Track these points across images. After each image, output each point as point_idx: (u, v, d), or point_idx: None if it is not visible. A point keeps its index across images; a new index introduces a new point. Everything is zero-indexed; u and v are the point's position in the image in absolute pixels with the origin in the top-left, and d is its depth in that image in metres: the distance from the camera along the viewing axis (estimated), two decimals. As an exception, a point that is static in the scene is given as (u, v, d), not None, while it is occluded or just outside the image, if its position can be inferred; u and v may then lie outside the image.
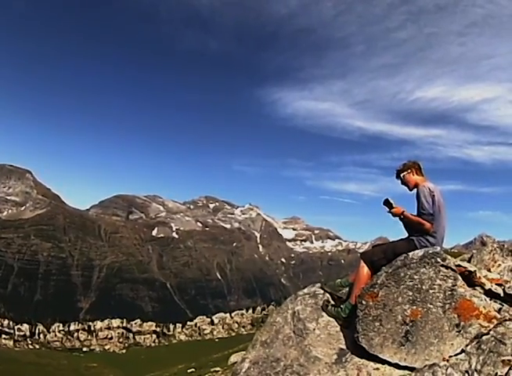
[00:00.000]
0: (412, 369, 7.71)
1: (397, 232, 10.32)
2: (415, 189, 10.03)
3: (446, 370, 6.50)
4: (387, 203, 9.92)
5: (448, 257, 8.65)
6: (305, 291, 10.99)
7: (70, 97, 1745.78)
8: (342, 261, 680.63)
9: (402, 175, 10.43)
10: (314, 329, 9.63)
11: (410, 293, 8.38)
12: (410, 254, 8.93)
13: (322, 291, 10.67)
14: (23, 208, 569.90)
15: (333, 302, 10.30)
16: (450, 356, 7.71)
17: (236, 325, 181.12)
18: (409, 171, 10.27)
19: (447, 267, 8.45)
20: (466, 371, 6.69)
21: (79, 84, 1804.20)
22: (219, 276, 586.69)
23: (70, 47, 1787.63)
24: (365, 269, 9.74)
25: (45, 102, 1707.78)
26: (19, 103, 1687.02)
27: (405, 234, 10.07)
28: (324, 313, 9.98)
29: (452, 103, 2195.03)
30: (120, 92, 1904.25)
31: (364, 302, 8.69)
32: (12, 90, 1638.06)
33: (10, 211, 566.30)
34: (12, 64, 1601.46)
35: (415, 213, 9.77)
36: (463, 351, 7.55)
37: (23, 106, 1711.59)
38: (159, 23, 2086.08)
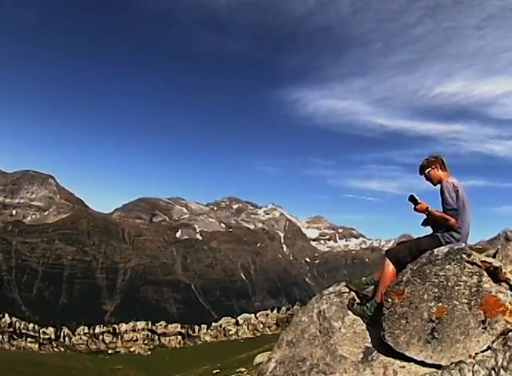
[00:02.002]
0: (438, 366, 7.63)
1: (421, 229, 10.23)
2: (439, 185, 9.95)
3: (473, 367, 6.43)
4: (412, 199, 9.85)
5: (474, 253, 8.55)
6: (330, 289, 10.95)
7: (91, 102, 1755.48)
8: (366, 259, 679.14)
9: (426, 171, 10.34)
10: (340, 328, 9.59)
11: (436, 290, 8.29)
12: (435, 250, 8.83)
13: (347, 290, 10.63)
14: (46, 213, 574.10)
15: (358, 301, 10.23)
16: (476, 353, 7.62)
17: (261, 325, 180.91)
18: (433, 166, 10.18)
19: (472, 263, 8.35)
20: (493, 368, 6.59)
21: (100, 89, 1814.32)
22: (243, 277, 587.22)
23: (90, 52, 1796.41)
24: (390, 267, 9.67)
25: (66, 107, 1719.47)
26: (39, 110, 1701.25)
27: (430, 231, 10.00)
28: (350, 312, 9.93)
29: (472, 98, 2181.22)
30: (141, 96, 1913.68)
31: (390, 300, 8.62)
32: (32, 97, 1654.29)
33: (34, 216, 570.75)
34: (31, 72, 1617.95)
35: (440, 210, 9.69)
36: (489, 348, 7.46)
37: (44, 113, 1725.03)
38: (175, 26, 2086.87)
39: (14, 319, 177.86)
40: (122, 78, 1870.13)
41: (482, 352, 7.58)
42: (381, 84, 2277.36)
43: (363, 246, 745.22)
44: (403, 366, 8.13)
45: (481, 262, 8.49)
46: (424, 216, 10.07)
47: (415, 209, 9.83)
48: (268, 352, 11.54)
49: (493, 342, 7.44)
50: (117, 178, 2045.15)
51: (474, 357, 7.39)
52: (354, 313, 9.85)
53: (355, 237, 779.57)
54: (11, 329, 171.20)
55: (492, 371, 6.53)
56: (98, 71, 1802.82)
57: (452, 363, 6.69)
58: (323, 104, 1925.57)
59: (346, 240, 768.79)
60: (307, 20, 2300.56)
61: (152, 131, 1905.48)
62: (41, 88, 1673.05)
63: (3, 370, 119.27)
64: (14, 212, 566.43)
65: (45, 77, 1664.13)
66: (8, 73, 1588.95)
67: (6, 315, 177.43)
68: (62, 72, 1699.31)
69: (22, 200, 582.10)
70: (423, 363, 7.99)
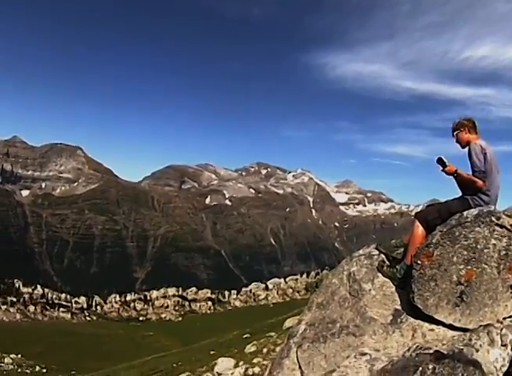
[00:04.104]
0: (466, 330, 7.56)
1: (449, 194, 10.14)
2: (467, 148, 9.82)
3: (501, 331, 6.35)
4: (440, 161, 9.70)
5: (503, 216, 8.40)
6: (360, 252, 10.94)
7: (116, 72, 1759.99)
8: (395, 224, 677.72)
9: (454, 133, 10.20)
10: (369, 290, 9.58)
11: (465, 252, 8.20)
12: (465, 213, 8.74)
13: (377, 252, 10.59)
14: (75, 184, 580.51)
15: (388, 263, 10.20)
16: (504, 318, 7.60)
17: (291, 290, 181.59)
18: (462, 129, 10.01)
19: (502, 226, 8.20)
20: (521, 333, 6.52)
21: (125, 59, 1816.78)
22: (273, 242, 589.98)
23: (120, 27, 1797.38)
24: (420, 229, 9.57)
25: (91, 79, 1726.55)
26: (64, 83, 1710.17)
27: (459, 194, 9.89)
28: (379, 274, 9.90)
29: (502, 62, 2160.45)
30: (167, 64, 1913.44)
31: (419, 262, 8.55)
32: (57, 70, 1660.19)
33: (63, 188, 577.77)
34: (57, 48, 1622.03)
35: (469, 173, 9.57)
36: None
37: (68, 85, 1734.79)
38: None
39: (46, 290, 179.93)
40: (146, 46, 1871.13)
41: (510, 317, 7.54)
42: (409, 48, 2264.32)
43: (392, 211, 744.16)
44: (432, 330, 8.12)
45: (511, 225, 8.38)
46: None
47: (443, 171, 9.71)
48: (298, 317, 11.52)
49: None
50: (146, 147, 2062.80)
51: (501, 322, 7.31)
52: (383, 275, 9.84)
53: (384, 202, 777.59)
54: (43, 300, 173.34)
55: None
56: (122, 42, 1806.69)
57: (480, 326, 6.61)
58: (351, 68, 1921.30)
59: (375, 205, 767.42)
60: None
61: (179, 99, 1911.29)
62: (65, 62, 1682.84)
63: (36, 341, 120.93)
64: (43, 185, 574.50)
65: (70, 51, 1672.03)
66: (34, 49, 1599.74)
67: (38, 286, 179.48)
68: (87, 45, 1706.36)
69: (51, 173, 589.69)
70: (451, 327, 7.96)
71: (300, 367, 9.21)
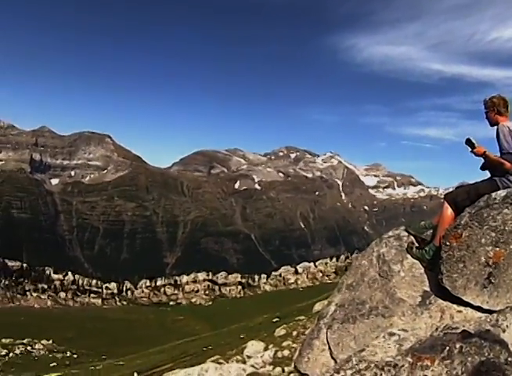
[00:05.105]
0: (493, 312, 7.54)
1: (479, 177, 10.09)
2: (495, 127, 9.78)
3: (528, 312, 6.36)
4: (469, 142, 9.68)
5: (531, 197, 8.41)
6: (390, 233, 10.94)
7: (144, 59, 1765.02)
8: (424, 207, 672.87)
9: (484, 111, 10.16)
10: (399, 271, 9.60)
11: (493, 234, 8.13)
12: (493, 194, 8.70)
13: (406, 234, 10.59)
14: (105, 172, 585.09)
15: (417, 244, 10.20)
16: (531, 301, 7.56)
17: (320, 274, 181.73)
18: (492, 108, 9.96)
19: (530, 207, 8.22)
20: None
21: (152, 46, 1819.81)
22: (302, 226, 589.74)
23: (146, 14, 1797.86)
24: (449, 210, 9.56)
25: (119, 66, 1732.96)
26: (90, 72, 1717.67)
27: (488, 176, 9.86)
28: (408, 255, 9.91)
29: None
30: (194, 51, 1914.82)
31: (448, 243, 8.53)
32: (82, 59, 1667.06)
33: (92, 175, 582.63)
34: (83, 38, 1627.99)
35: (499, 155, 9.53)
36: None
37: (95, 74, 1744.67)
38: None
39: (77, 276, 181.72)
40: (173, 32, 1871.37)
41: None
42: (436, 29, 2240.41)
43: (422, 194, 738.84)
44: (460, 311, 8.13)
45: (539, 207, 8.34)
46: (483, 160, 9.93)
47: (472, 152, 9.69)
48: (328, 298, 11.56)
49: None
50: (174, 133, 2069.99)
51: (528, 305, 7.29)
52: (413, 257, 9.84)
53: (414, 185, 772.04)
54: (74, 286, 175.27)
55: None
56: (148, 29, 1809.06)
57: (507, 307, 6.60)
58: (378, 50, 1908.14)
59: (404, 188, 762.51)
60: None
61: (207, 84, 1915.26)
62: (92, 51, 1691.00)
63: (67, 326, 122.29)
64: (73, 173, 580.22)
65: (97, 40, 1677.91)
66: (61, 40, 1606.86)
67: (69, 273, 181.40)
68: (113, 34, 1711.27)
69: (80, 161, 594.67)
70: (479, 309, 7.95)
71: (329, 348, 9.28)
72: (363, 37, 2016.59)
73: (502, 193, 8.61)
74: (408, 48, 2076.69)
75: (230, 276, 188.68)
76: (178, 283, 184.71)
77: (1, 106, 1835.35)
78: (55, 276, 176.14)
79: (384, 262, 9.93)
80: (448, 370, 4.71)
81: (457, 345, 4.95)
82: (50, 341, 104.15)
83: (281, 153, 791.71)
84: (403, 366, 5.05)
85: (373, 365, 5.32)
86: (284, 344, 35.76)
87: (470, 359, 4.72)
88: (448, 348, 4.99)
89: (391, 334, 6.48)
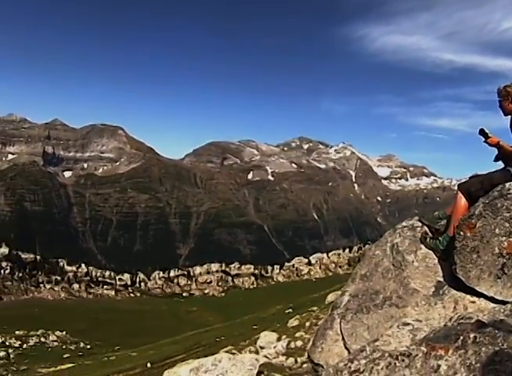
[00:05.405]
0: (506, 303, 7.52)
1: (492, 168, 10.04)
2: (509, 116, 9.73)
3: (542, 303, 6.33)
4: (482, 132, 9.60)
5: (545, 187, 8.35)
6: (404, 223, 10.78)
7: (156, 51, 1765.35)
8: (437, 198, 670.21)
9: (498, 99, 10.09)
10: (412, 261, 9.49)
11: (507, 224, 7.98)
12: (507, 184, 8.55)
13: (420, 224, 10.50)
14: (117, 164, 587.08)
15: (431, 234, 10.15)
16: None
17: (333, 265, 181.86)
18: (506, 98, 9.90)
19: (544, 198, 8.16)
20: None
21: (163, 37, 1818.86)
22: (316, 217, 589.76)
23: (158, 6, 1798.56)
24: (462, 200, 9.44)
25: (131, 58, 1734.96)
26: (101, 63, 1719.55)
27: (501, 166, 9.82)
28: (422, 246, 9.84)
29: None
30: (206, 41, 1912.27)
31: (462, 233, 8.40)
32: (93, 51, 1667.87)
33: (105, 167, 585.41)
34: (95, 30, 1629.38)
35: None
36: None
37: (106, 66, 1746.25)
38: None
39: (90, 268, 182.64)
40: (184, 24, 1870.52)
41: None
42: (448, 19, 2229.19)
43: (434, 185, 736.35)
44: (473, 302, 8.04)
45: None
46: (496, 151, 9.89)
47: (485, 142, 9.65)
48: (340, 292, 11.56)
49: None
50: (187, 124, 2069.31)
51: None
52: (426, 247, 9.71)
53: (427, 176, 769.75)
54: (87, 278, 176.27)
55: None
56: (159, 20, 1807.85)
57: (519, 297, 6.58)
58: (391, 40, 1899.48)
59: (417, 179, 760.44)
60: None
61: (218, 76, 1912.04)
62: (102, 44, 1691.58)
63: (81, 318, 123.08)
64: (85, 165, 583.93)
65: (108, 33, 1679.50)
66: (72, 34, 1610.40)
67: (83, 264, 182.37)
68: (125, 27, 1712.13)
69: (93, 154, 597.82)
70: (492, 299, 7.90)
71: (343, 338, 9.25)
72: (376, 27, 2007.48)
73: (515, 183, 8.58)
74: (420, 37, 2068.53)
75: (243, 267, 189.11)
76: (191, 274, 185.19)
77: (13, 100, 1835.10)
78: (69, 268, 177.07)
79: (398, 252, 9.82)
80: (462, 360, 4.70)
81: (471, 335, 4.94)
82: (63, 333, 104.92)
83: (294, 144, 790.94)
84: (417, 355, 5.05)
85: (387, 354, 5.32)
86: (297, 334, 35.88)
87: (484, 349, 4.71)
88: (462, 337, 4.98)
89: (405, 324, 6.47)
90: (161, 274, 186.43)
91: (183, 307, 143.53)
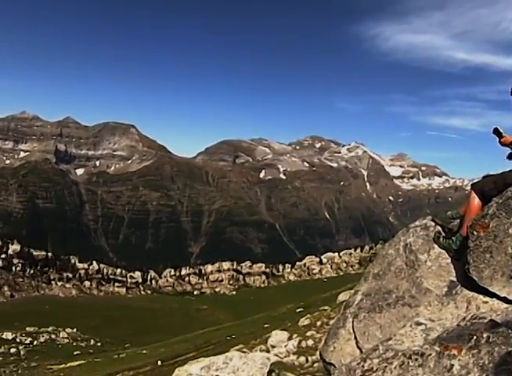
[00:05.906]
0: (518, 304, 7.49)
1: (506, 168, 10.02)
2: None
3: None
4: (496, 132, 9.59)
5: (558, 187, 8.32)
6: (417, 223, 10.70)
7: (169, 49, 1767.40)
8: (449, 198, 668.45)
9: (510, 99, 10.06)
10: (425, 261, 9.41)
11: (521, 224, 8.10)
12: (521, 184, 8.64)
13: (433, 223, 10.47)
14: (129, 162, 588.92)
15: (444, 234, 10.14)
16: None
17: (345, 264, 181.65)
18: None
19: (557, 198, 8.12)
20: None
21: (176, 36, 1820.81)
22: (327, 216, 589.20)
23: (170, 5, 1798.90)
24: (476, 200, 9.42)
25: (143, 56, 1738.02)
26: (114, 62, 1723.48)
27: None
28: (435, 245, 9.81)
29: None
30: (218, 40, 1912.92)
31: (475, 233, 8.33)
32: (105, 50, 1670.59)
33: (117, 165, 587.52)
34: (108, 29, 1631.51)
35: None
36: None
37: (119, 65, 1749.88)
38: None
39: (102, 265, 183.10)
40: (197, 23, 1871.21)
41: None
42: (461, 17, 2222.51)
43: (446, 185, 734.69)
44: (486, 302, 7.98)
45: None
46: (509, 150, 9.86)
47: (499, 142, 9.62)
48: (351, 291, 11.53)
49: None
50: (199, 123, 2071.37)
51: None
52: (439, 247, 9.64)
53: (439, 176, 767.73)
54: (99, 275, 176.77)
55: None
56: (173, 20, 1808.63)
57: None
58: (403, 39, 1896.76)
59: (429, 179, 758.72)
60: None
61: (231, 74, 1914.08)
62: (115, 43, 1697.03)
63: (92, 315, 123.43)
64: (98, 163, 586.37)
65: (120, 31, 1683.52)
66: (85, 32, 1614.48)
67: (94, 262, 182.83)
68: (138, 26, 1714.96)
69: (105, 152, 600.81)
70: (505, 300, 7.88)
71: (355, 337, 9.24)
72: (388, 26, 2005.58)
73: (529, 182, 8.54)
74: (433, 36, 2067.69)
75: (254, 265, 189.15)
76: (203, 272, 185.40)
77: (26, 98, 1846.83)
78: (80, 266, 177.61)
79: (411, 252, 9.74)
80: (475, 360, 4.71)
81: (484, 335, 4.94)
82: (74, 330, 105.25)
83: (306, 143, 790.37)
84: (430, 355, 5.06)
85: (400, 354, 5.33)
86: (308, 334, 35.86)
87: (497, 348, 4.71)
88: (475, 337, 4.98)
89: (418, 324, 6.47)
90: (172, 272, 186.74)
91: (194, 305, 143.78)
